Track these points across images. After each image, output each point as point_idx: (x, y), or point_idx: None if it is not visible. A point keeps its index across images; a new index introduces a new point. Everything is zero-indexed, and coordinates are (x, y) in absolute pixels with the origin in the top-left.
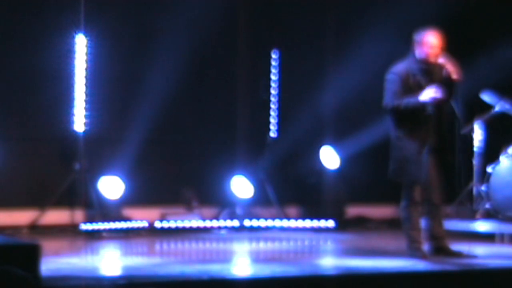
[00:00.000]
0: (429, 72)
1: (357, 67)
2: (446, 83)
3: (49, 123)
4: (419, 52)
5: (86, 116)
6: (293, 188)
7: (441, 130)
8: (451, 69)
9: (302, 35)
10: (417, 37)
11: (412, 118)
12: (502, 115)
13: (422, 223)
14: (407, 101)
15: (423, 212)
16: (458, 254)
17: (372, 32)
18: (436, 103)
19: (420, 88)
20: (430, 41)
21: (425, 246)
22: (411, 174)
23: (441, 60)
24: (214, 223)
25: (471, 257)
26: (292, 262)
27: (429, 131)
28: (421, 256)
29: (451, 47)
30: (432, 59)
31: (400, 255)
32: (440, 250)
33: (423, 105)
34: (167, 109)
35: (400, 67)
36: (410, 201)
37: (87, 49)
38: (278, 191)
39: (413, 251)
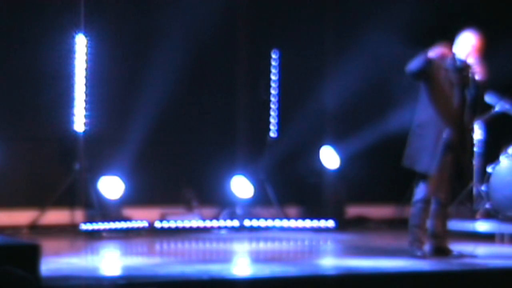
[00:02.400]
0: (461, 71)
1: (357, 67)
2: (474, 83)
3: (49, 123)
4: (456, 49)
5: (86, 116)
6: (293, 188)
7: (463, 130)
8: (477, 69)
9: (302, 35)
10: (458, 35)
11: (439, 106)
12: (502, 115)
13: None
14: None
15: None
16: (458, 255)
17: (372, 32)
18: (461, 105)
19: (450, 84)
20: (468, 41)
21: (426, 246)
22: (424, 164)
23: (470, 60)
24: (214, 223)
25: (471, 257)
26: (292, 262)
27: (452, 127)
28: (421, 255)
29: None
30: (466, 59)
31: (400, 255)
32: (440, 250)
33: (429, 62)
34: (167, 109)
35: (438, 59)
36: (424, 197)
37: (87, 49)
38: (278, 191)
39: (414, 249)
